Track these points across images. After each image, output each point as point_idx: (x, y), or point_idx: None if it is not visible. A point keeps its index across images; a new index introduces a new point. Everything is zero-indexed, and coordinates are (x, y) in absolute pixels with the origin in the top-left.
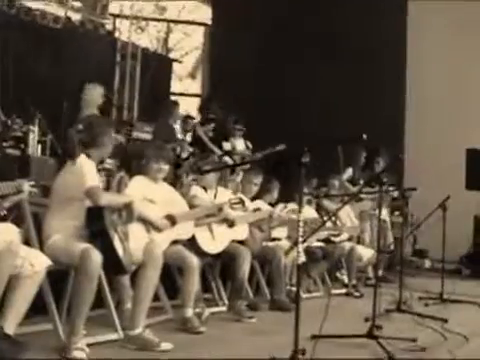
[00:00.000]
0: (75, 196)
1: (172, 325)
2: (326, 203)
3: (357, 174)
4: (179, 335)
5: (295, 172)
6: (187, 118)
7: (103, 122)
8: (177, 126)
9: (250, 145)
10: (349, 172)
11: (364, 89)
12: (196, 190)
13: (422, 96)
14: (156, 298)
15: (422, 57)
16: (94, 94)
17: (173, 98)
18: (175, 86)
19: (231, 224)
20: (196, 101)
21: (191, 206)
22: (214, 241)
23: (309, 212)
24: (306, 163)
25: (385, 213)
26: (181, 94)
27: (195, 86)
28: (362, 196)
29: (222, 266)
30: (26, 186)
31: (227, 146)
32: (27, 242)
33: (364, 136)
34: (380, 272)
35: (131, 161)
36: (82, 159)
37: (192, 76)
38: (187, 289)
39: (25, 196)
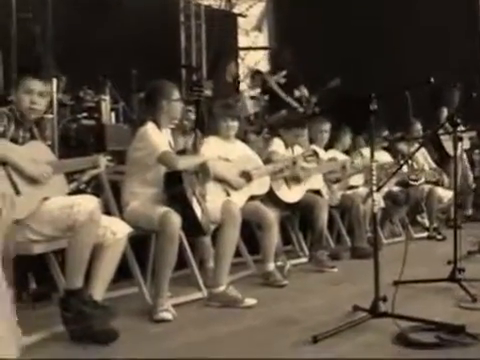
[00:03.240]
0: (149, 163)
1: (255, 280)
2: (402, 146)
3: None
4: (262, 289)
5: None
6: (255, 73)
7: (162, 86)
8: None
9: (306, 92)
10: (445, 112)
11: (437, 25)
12: (277, 145)
13: None
14: (238, 254)
15: None
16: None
17: (241, 53)
18: (242, 40)
19: (306, 176)
20: (264, 53)
21: (268, 161)
22: (291, 191)
23: (383, 156)
24: (375, 110)
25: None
26: (249, 48)
27: (262, 39)
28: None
29: (301, 218)
30: (103, 160)
31: (297, 94)
32: (107, 211)
33: (432, 79)
34: (470, 211)
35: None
36: (148, 126)
37: (258, 29)
38: (267, 244)
39: (102, 170)
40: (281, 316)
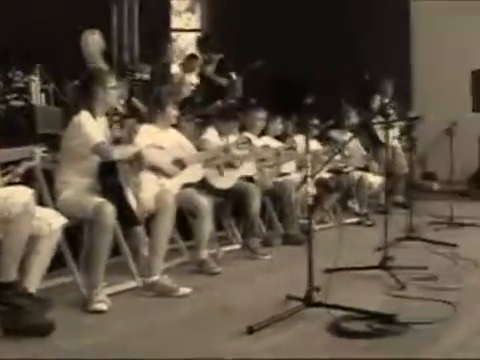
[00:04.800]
0: (84, 153)
1: (189, 267)
2: (334, 134)
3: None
4: (196, 277)
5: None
6: (191, 58)
7: (99, 73)
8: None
9: (234, 76)
10: (377, 100)
11: (369, 18)
12: (210, 133)
13: (428, 22)
14: (171, 241)
15: None
16: (93, 41)
17: (173, 34)
18: (175, 22)
19: (239, 163)
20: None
21: (200, 149)
22: (223, 178)
23: (312, 145)
24: (310, 104)
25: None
26: (181, 30)
27: (194, 21)
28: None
29: (234, 205)
30: (38, 152)
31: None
32: (40, 202)
33: (366, 76)
34: (400, 198)
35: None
36: (83, 116)
37: (191, 10)
38: (201, 232)
39: (37, 162)
40: (216, 305)
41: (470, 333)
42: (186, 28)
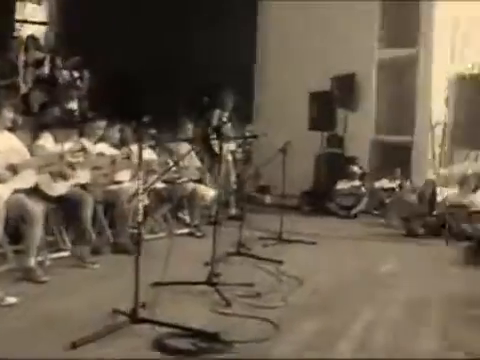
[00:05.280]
0: None
1: (15, 274)
2: (171, 145)
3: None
4: (23, 285)
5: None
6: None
7: None
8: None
9: (76, 74)
10: (217, 114)
11: (215, 38)
12: (45, 139)
13: (270, 47)
14: None
15: (270, 8)
16: None
17: (17, 25)
18: (20, 12)
19: (72, 170)
20: (43, 29)
21: (35, 154)
22: (56, 185)
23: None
24: (145, 122)
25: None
26: (25, 21)
27: (41, 12)
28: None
29: (65, 211)
30: None
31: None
32: None
33: (205, 99)
34: (233, 210)
35: None
36: None
37: (38, 2)
38: (30, 238)
39: None
40: (41, 317)
41: (292, 351)
42: (31, 20)
